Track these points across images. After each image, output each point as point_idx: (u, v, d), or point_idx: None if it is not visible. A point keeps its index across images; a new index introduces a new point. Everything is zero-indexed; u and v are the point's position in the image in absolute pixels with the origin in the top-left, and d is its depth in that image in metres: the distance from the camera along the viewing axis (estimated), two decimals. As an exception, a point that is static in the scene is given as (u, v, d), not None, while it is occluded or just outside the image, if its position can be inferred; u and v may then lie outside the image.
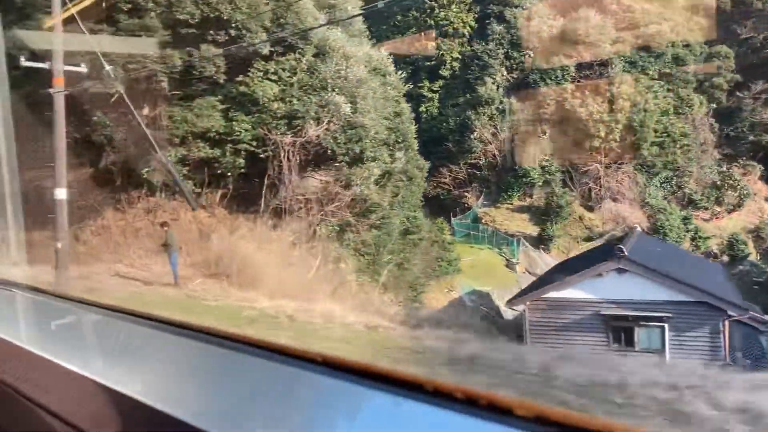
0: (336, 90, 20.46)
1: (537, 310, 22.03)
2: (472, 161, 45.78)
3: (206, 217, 21.50)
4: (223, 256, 17.37)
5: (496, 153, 45.55)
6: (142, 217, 20.73)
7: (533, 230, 43.02)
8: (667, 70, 46.78)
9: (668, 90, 46.71)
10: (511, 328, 27.43)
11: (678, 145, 45.28)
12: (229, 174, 20.82)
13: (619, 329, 21.13)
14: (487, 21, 47.79)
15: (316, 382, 0.99)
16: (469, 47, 48.25)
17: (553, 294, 21.71)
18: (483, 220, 43.89)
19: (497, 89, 46.27)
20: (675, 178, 45.60)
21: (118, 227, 20.25)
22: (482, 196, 45.68)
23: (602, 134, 43.94)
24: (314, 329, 9.55)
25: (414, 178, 23.54)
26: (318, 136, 20.06)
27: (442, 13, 48.81)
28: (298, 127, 20.08)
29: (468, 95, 46.46)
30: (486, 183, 46.06)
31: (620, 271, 20.94)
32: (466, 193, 45.69)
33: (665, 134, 45.23)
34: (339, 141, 20.32)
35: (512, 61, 47.23)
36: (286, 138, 19.58)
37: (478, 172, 45.84)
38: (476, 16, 49.15)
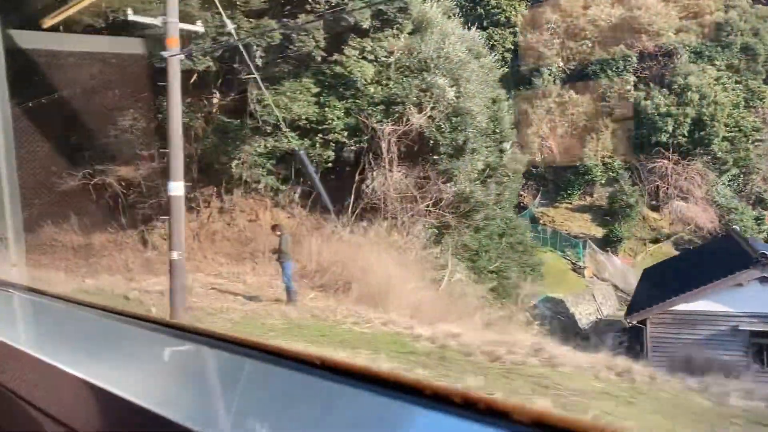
0: (437, 72, 17.75)
1: (661, 324, 19.25)
2: (528, 157, 42.91)
3: (286, 217, 18.84)
4: (323, 263, 14.71)
5: (554, 148, 42.66)
6: (216, 218, 18.11)
7: (596, 231, 40.15)
8: (736, 61, 43.69)
9: (736, 82, 43.61)
10: (604, 340, 24.71)
11: (750, 141, 42.16)
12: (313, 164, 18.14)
13: (762, 347, 18.32)
14: (541, 9, 45.02)
15: (314, 385, 0.98)
16: (522, 37, 45.38)
17: (682, 306, 18.89)
18: (541, 221, 41.01)
19: (554, 81, 43.44)
20: (742, 175, 42.58)
21: (190, 229, 17.56)
22: (539, 195, 42.83)
23: (669, 128, 40.96)
24: (551, 378, 6.86)
25: (515, 173, 20.84)
26: (420, 124, 17.35)
27: (493, 2, 45.99)
28: (397, 114, 17.38)
29: (522, 88, 43.59)
30: (543, 180, 43.20)
31: (763, 280, 18.13)
32: (521, 192, 42.75)
33: (736, 128, 42.13)
34: (443, 130, 17.60)
35: (569, 51, 44.37)
36: (386, 127, 16.87)
37: (534, 169, 42.93)
38: (529, 4, 46.37)
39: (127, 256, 16.49)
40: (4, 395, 1.34)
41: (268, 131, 16.33)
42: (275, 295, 12.58)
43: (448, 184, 18.00)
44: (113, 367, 1.26)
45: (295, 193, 18.81)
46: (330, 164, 18.07)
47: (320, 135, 17.24)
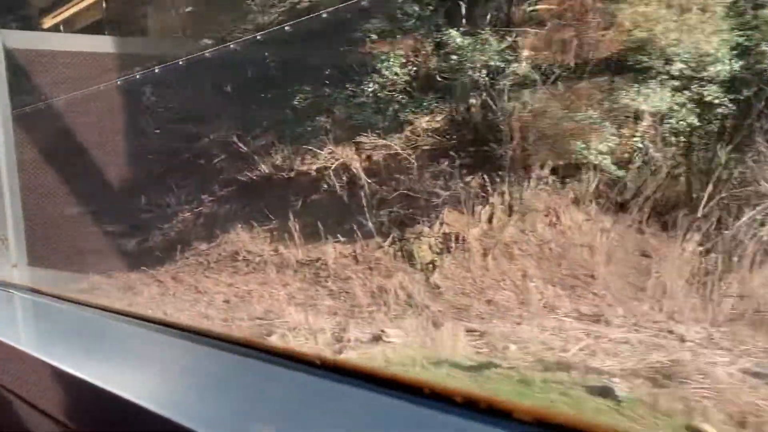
0: None
1: None
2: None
3: (584, 220, 12.28)
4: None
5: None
6: (505, 222, 11.48)
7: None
8: None
9: None
10: None
11: None
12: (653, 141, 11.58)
13: None
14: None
15: (315, 384, 0.97)
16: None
17: None
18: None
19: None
20: None
21: (476, 239, 10.96)
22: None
23: None
24: None
25: None
26: None
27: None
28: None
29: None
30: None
31: None
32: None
33: None
34: None
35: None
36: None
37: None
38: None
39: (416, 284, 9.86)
40: (5, 396, 1.31)
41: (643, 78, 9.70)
42: None
43: None
44: (114, 367, 1.23)
45: (590, 181, 12.25)
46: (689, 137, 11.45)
47: (697, 85, 10.63)
